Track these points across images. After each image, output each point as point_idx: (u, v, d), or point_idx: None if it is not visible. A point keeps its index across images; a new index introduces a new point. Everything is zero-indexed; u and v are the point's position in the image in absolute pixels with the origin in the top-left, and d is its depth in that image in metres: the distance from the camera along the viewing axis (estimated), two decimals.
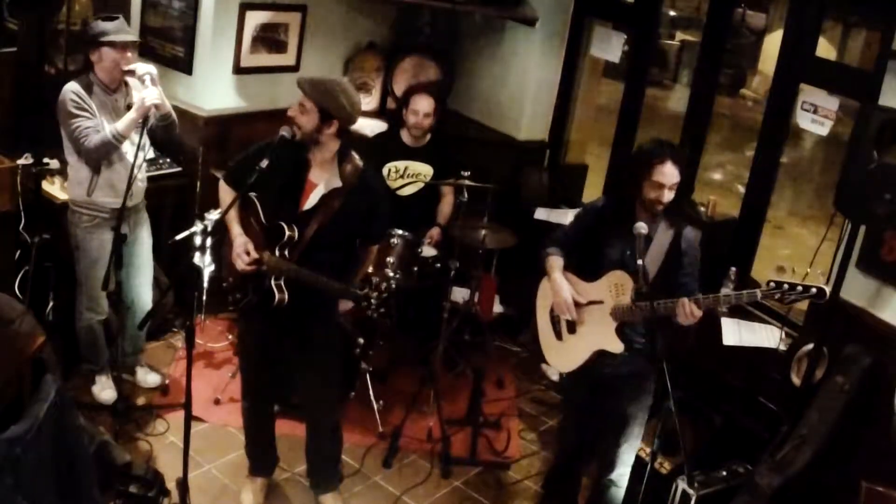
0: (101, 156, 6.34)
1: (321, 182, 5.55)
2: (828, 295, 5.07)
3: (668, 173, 5.44)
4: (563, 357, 5.99)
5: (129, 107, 6.21)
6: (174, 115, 6.55)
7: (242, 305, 5.72)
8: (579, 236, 5.93)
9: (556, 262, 5.92)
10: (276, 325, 5.78)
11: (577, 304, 5.76)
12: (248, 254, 5.50)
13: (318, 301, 5.65)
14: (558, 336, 5.98)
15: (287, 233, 5.47)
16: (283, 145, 5.36)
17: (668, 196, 5.47)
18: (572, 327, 5.87)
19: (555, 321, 6.00)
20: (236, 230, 5.60)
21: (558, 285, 5.81)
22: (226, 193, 5.75)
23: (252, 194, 5.59)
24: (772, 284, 5.13)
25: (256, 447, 6.35)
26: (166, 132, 6.58)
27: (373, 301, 5.38)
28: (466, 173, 7.38)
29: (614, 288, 5.56)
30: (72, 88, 6.36)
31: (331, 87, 5.42)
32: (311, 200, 5.55)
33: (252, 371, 6.14)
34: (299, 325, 5.75)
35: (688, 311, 5.28)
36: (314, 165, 5.53)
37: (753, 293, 5.21)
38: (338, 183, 5.53)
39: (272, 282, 5.53)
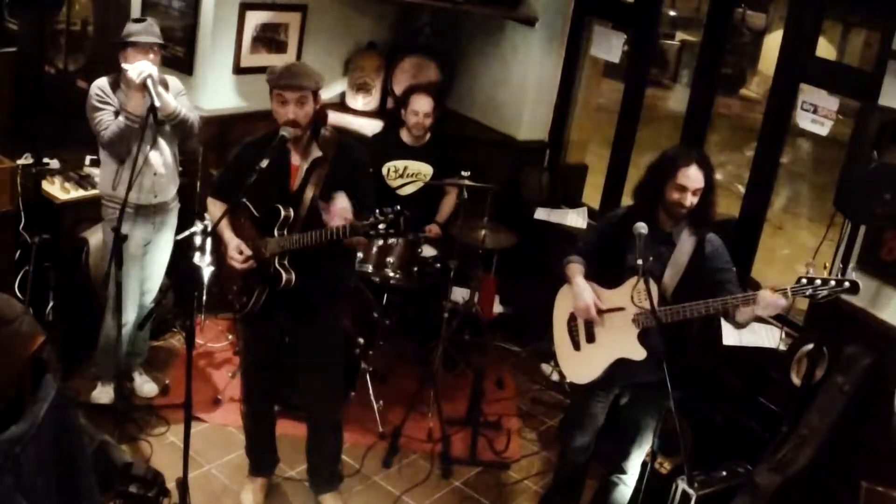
0: (121, 142, 6.34)
1: (303, 159, 5.60)
2: (860, 288, 5.07)
3: (693, 177, 5.45)
4: (581, 367, 5.95)
5: (152, 108, 6.21)
6: (188, 116, 6.55)
7: (251, 306, 5.69)
8: (600, 245, 5.92)
9: (576, 267, 5.89)
10: (281, 326, 5.80)
11: (598, 311, 5.74)
12: (240, 252, 5.53)
13: (324, 278, 5.66)
14: (576, 346, 5.96)
15: (283, 213, 5.49)
16: (283, 145, 5.38)
17: (691, 200, 5.47)
18: (591, 336, 5.85)
19: (572, 330, 5.98)
20: (228, 235, 5.62)
21: (579, 288, 5.78)
22: (216, 207, 5.78)
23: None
24: (803, 281, 5.12)
25: (257, 447, 6.36)
26: (181, 133, 6.60)
27: (381, 228, 5.17)
28: (466, 173, 7.38)
29: (636, 293, 5.53)
30: (97, 84, 6.47)
31: (307, 69, 5.59)
32: (298, 178, 5.59)
33: (255, 377, 6.16)
34: (305, 321, 5.75)
35: (770, 300, 5.23)
36: (293, 149, 5.58)
37: (784, 290, 5.19)
38: (318, 153, 5.58)
39: (276, 264, 5.55)
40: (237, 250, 5.54)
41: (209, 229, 5.25)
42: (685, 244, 5.59)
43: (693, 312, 5.37)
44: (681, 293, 5.51)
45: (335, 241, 5.38)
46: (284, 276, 5.55)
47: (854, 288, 5.04)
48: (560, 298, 6.09)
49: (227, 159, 5.97)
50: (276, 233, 5.52)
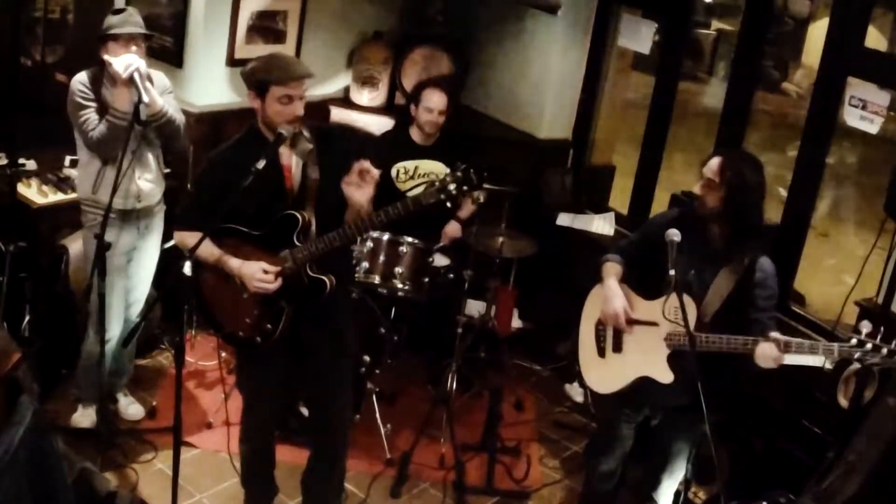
0: (111, 142, 6.33)
1: (293, 157, 5.55)
2: None
3: (709, 164, 5.56)
4: (602, 376, 5.96)
5: (138, 103, 6.22)
6: (175, 117, 6.55)
7: (281, 330, 5.55)
8: (644, 247, 5.93)
9: (613, 267, 5.93)
10: (301, 343, 5.72)
11: (628, 320, 5.74)
12: (266, 272, 5.39)
13: (339, 274, 5.60)
14: (601, 353, 5.96)
15: (301, 218, 5.40)
16: (279, 144, 5.35)
17: (702, 190, 5.57)
18: (618, 345, 5.85)
19: (599, 335, 5.98)
20: (235, 263, 5.46)
21: (611, 292, 5.81)
22: (195, 240, 5.28)
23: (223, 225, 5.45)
24: (853, 341, 5.08)
25: (254, 480, 6.32)
26: (162, 134, 6.60)
27: (451, 189, 5.19)
28: None
29: (673, 311, 5.51)
30: (79, 79, 6.45)
31: (291, 56, 5.53)
32: (295, 179, 5.55)
33: (260, 414, 6.07)
34: (326, 326, 5.71)
35: (770, 354, 5.24)
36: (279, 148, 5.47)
37: (830, 348, 5.16)
38: (309, 146, 5.52)
39: (309, 274, 5.48)
40: (262, 270, 5.39)
41: (190, 257, 5.11)
42: (734, 265, 5.58)
43: (730, 346, 5.35)
44: (721, 319, 5.50)
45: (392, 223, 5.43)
46: (327, 280, 5.49)
47: None
48: (591, 298, 6.10)
49: (193, 183, 5.86)
50: (296, 241, 5.43)
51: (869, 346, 4.99)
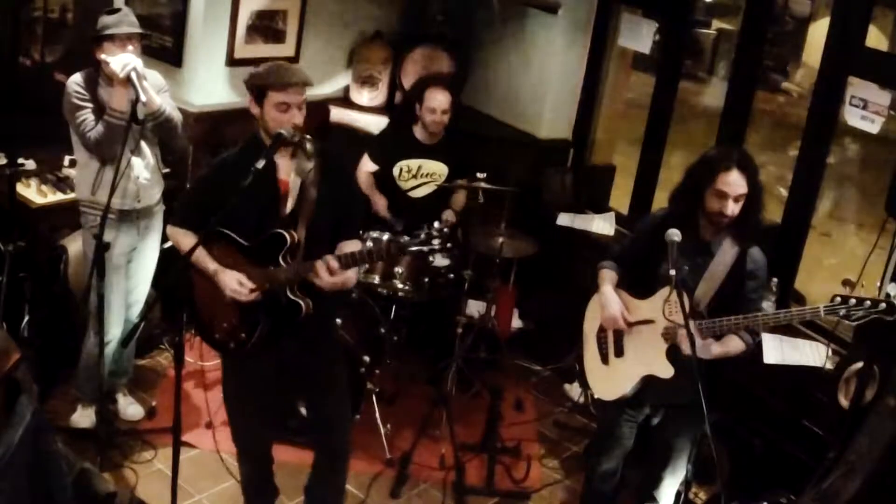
0: (110, 143, 6.33)
1: (292, 173, 5.49)
2: None
3: (733, 182, 5.42)
4: (608, 383, 5.96)
5: (135, 102, 6.22)
6: (172, 115, 6.56)
7: (254, 342, 5.50)
8: (635, 250, 5.93)
9: (607, 275, 5.93)
10: (281, 355, 5.68)
11: (627, 323, 5.74)
12: (241, 284, 5.37)
13: (326, 296, 5.49)
14: (604, 360, 5.96)
15: (289, 238, 5.34)
16: (280, 147, 5.32)
17: (733, 208, 5.44)
18: (620, 350, 5.85)
19: (601, 343, 5.98)
20: (214, 266, 5.43)
21: (607, 298, 5.81)
22: (187, 238, 5.46)
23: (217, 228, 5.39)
24: (837, 299, 5.10)
25: (254, 482, 6.25)
26: (160, 133, 6.60)
27: (435, 244, 5.12)
28: (482, 175, 7.36)
29: (667, 306, 5.52)
30: (75, 80, 6.46)
31: (295, 65, 5.65)
32: (291, 196, 5.49)
33: (250, 418, 5.96)
34: (310, 343, 5.66)
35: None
36: (280, 161, 5.44)
37: (816, 310, 5.19)
38: (310, 164, 5.46)
39: (289, 295, 5.43)
40: (238, 283, 5.36)
41: (185, 255, 5.10)
42: (725, 256, 5.57)
43: (730, 329, 5.37)
44: (714, 309, 5.50)
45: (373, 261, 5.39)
46: (304, 304, 5.43)
47: (891, 309, 5.02)
48: (591, 308, 6.10)
49: (193, 182, 5.84)
50: (281, 261, 5.37)
51: (852, 301, 5.01)
